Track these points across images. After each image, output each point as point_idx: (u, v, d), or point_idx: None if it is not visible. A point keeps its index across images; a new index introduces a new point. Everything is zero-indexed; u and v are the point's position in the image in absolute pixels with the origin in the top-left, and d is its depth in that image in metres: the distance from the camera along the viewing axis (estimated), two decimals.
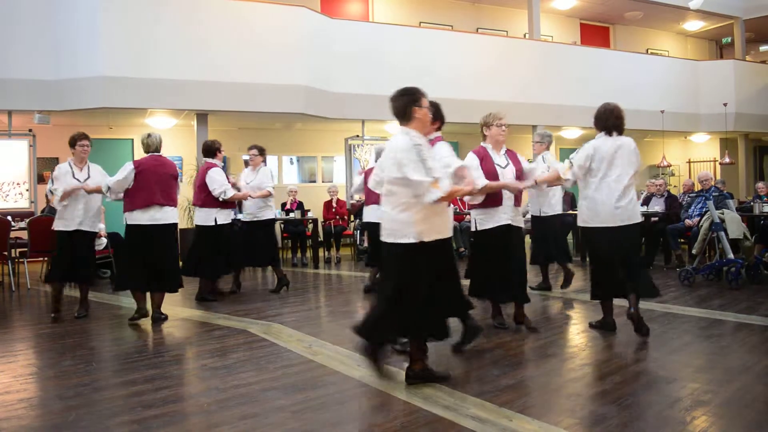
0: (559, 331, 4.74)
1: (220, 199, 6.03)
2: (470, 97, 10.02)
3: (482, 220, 4.45)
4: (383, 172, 3.46)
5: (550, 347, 4.20)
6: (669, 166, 13.39)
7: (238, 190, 6.31)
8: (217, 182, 6.00)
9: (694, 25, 15.17)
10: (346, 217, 9.91)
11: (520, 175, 4.52)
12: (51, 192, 5.35)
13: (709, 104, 13.12)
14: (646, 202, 8.70)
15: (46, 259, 7.12)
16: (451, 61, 10.46)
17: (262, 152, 6.72)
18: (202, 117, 8.88)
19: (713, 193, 7.49)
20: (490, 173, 4.28)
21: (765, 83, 13.72)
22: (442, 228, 3.42)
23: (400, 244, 3.28)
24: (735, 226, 6.72)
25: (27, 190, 8.29)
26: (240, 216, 6.52)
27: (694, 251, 7.03)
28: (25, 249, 7.15)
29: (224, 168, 6.40)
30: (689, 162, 15.57)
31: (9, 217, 7.20)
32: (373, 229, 6.42)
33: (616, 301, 4.57)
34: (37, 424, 2.94)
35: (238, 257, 6.58)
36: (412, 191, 3.22)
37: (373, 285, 6.52)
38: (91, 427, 2.88)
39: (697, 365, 3.72)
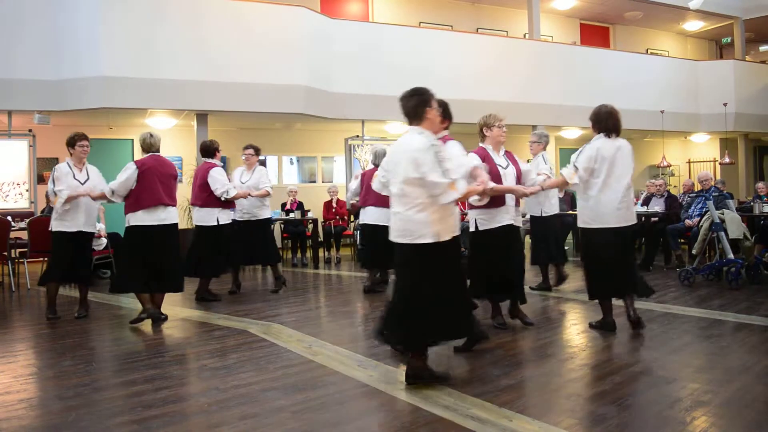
0: (559, 332, 4.75)
1: (223, 199, 6.04)
2: (470, 97, 10.01)
3: (484, 221, 4.46)
4: (389, 173, 3.45)
5: (550, 347, 4.21)
6: (669, 166, 13.40)
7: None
8: (220, 182, 6.01)
9: (693, 25, 15.18)
10: (346, 218, 9.91)
11: (519, 176, 4.56)
12: (54, 193, 5.23)
13: (709, 104, 13.12)
14: (646, 202, 8.71)
15: (45, 259, 7.12)
16: (450, 61, 10.45)
17: (258, 152, 6.76)
18: (202, 117, 8.87)
19: (713, 193, 7.49)
20: (493, 174, 4.29)
21: (765, 83, 13.72)
22: (455, 227, 3.47)
23: (417, 245, 3.27)
24: (735, 226, 6.72)
25: (27, 191, 8.28)
26: (233, 215, 6.51)
27: (694, 251, 7.03)
28: (25, 249, 7.15)
29: (224, 168, 6.41)
30: (689, 162, 15.57)
31: (9, 218, 7.20)
32: (372, 230, 6.44)
33: (615, 301, 4.62)
34: (37, 425, 2.94)
35: (238, 257, 6.58)
36: (427, 191, 3.23)
37: (373, 285, 6.53)
38: (91, 427, 2.88)
39: (697, 365, 3.72)
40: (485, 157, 4.40)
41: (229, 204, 6.20)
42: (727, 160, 12.64)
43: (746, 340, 4.27)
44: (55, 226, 5.30)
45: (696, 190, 8.77)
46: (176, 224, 5.20)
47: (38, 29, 7.98)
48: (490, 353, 4.01)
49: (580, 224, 4.53)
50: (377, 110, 9.98)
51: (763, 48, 17.33)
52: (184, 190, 8.38)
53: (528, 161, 6.36)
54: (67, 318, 5.37)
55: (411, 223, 3.28)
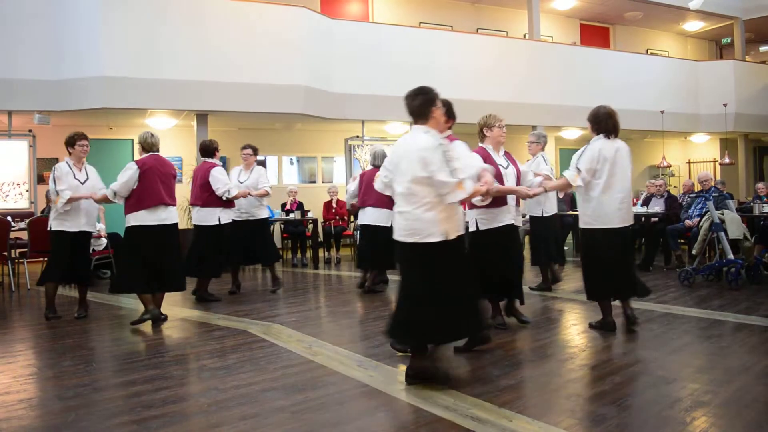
0: (558, 332, 4.75)
1: (224, 198, 6.05)
2: (470, 98, 10.00)
3: (485, 221, 4.46)
4: (392, 172, 3.43)
5: (550, 347, 4.21)
6: (669, 166, 13.40)
7: None
8: (221, 181, 6.02)
9: (693, 25, 15.18)
10: (345, 218, 9.91)
11: (519, 176, 4.58)
12: (56, 192, 5.16)
13: (709, 104, 13.12)
14: (646, 202, 8.71)
15: (45, 259, 7.12)
16: (450, 61, 10.45)
17: (256, 152, 6.80)
18: (202, 117, 8.88)
19: (713, 194, 7.49)
20: (495, 174, 4.30)
21: (765, 83, 13.72)
22: (460, 225, 3.49)
23: (426, 244, 3.27)
24: (735, 226, 6.72)
25: (27, 191, 8.28)
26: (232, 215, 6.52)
27: (694, 252, 7.03)
28: (25, 249, 7.15)
29: (223, 167, 6.41)
30: (689, 162, 15.57)
31: (9, 218, 7.20)
32: (371, 231, 6.44)
33: (612, 301, 4.64)
34: (37, 425, 2.94)
35: (237, 256, 6.58)
36: (434, 191, 3.24)
37: (373, 285, 6.53)
38: (91, 427, 2.88)
39: (697, 365, 3.72)
40: (486, 158, 4.41)
41: (229, 203, 6.21)
42: (727, 160, 12.64)
43: (746, 340, 4.27)
44: (55, 225, 5.25)
45: (696, 190, 8.77)
46: (177, 224, 5.20)
47: (38, 29, 7.98)
48: (490, 353, 4.01)
49: (583, 225, 4.53)
50: (377, 110, 9.99)
51: (763, 48, 17.33)
52: (183, 190, 8.38)
53: (528, 160, 6.39)
54: (67, 318, 5.37)
55: (419, 222, 3.27)
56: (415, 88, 3.42)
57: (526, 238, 7.02)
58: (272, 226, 9.80)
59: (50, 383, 3.59)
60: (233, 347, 4.29)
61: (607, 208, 4.39)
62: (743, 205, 9.07)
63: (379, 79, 9.78)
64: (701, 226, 6.93)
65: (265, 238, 6.73)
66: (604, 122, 4.48)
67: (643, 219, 8.22)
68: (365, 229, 6.53)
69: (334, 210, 9.86)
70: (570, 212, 9.00)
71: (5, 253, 6.99)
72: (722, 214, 6.77)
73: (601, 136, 4.48)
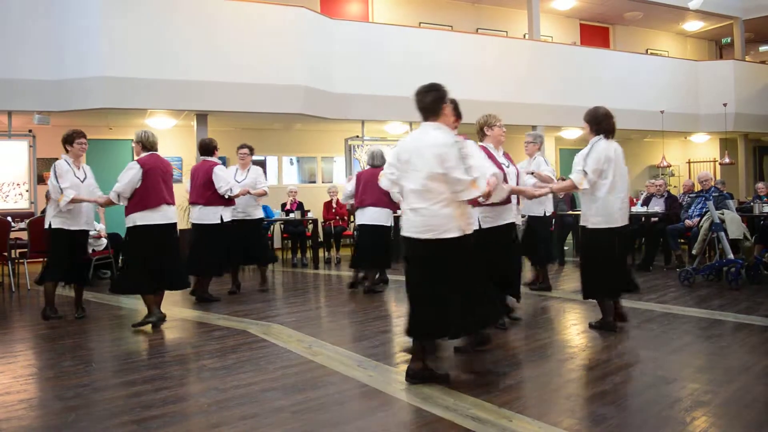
0: (559, 332, 4.75)
1: (226, 197, 6.06)
2: (470, 98, 9.92)
3: (488, 219, 4.48)
4: (400, 170, 3.41)
5: (550, 347, 4.21)
6: (669, 166, 13.40)
7: None
8: (224, 180, 6.04)
9: (693, 25, 15.17)
10: (345, 218, 9.91)
11: (518, 175, 4.62)
12: (60, 190, 5.06)
13: (709, 104, 13.12)
14: (646, 202, 8.71)
15: (45, 259, 7.12)
16: (450, 61, 10.45)
17: (252, 152, 6.83)
18: (201, 117, 8.88)
19: (713, 194, 7.49)
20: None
21: (765, 83, 13.72)
22: (473, 221, 3.53)
23: (443, 240, 3.27)
24: (735, 226, 6.72)
25: (27, 191, 8.28)
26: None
27: (694, 252, 7.03)
28: (25, 250, 7.15)
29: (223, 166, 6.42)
30: (689, 162, 15.57)
31: (9, 218, 7.19)
32: (371, 231, 6.43)
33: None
34: (37, 425, 2.94)
35: (237, 256, 6.58)
36: (449, 187, 3.25)
37: (373, 285, 6.53)
38: (91, 427, 2.88)
39: (697, 365, 3.72)
40: (489, 156, 4.42)
41: (229, 202, 6.22)
42: (727, 160, 12.64)
43: (746, 340, 4.27)
44: (56, 223, 5.18)
45: (696, 190, 8.77)
46: (176, 223, 5.21)
47: (38, 29, 7.98)
48: (490, 353, 4.01)
49: (592, 225, 4.51)
50: (377, 110, 9.99)
51: (762, 48, 17.33)
52: (182, 190, 8.39)
53: (524, 160, 6.41)
54: (67, 318, 5.36)
55: (436, 218, 3.27)
56: (425, 85, 3.41)
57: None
58: (272, 226, 9.83)
59: (50, 383, 3.59)
60: (233, 347, 4.29)
61: (612, 207, 4.43)
62: (743, 205, 9.07)
63: (379, 79, 9.79)
64: (701, 226, 6.93)
65: (260, 239, 6.79)
66: (604, 122, 4.49)
67: (643, 219, 8.22)
68: (364, 228, 6.52)
69: (334, 210, 9.86)
70: (570, 212, 9.00)
71: (5, 254, 6.98)
72: (722, 213, 6.77)
73: (602, 136, 4.48)
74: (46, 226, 5.25)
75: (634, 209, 8.50)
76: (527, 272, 6.75)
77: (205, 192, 6.06)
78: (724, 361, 3.76)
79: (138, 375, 3.68)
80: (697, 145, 15.18)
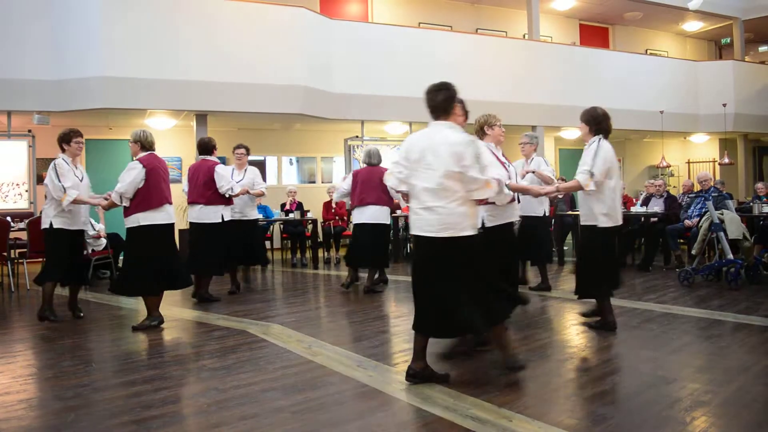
0: (558, 332, 4.75)
1: (227, 196, 6.06)
2: (470, 97, 9.89)
3: (492, 217, 4.49)
4: (409, 168, 3.40)
5: (550, 347, 4.21)
6: (668, 166, 13.40)
7: None
8: (225, 179, 6.05)
9: (693, 25, 15.18)
10: (345, 218, 9.91)
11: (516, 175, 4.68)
12: (63, 189, 5.01)
13: (709, 104, 13.12)
14: (646, 202, 8.71)
15: (44, 260, 7.11)
16: (450, 61, 10.44)
17: (248, 152, 6.85)
18: (201, 117, 8.88)
19: (712, 194, 7.49)
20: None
21: (764, 83, 13.73)
22: (479, 220, 3.58)
23: (460, 237, 3.29)
24: (734, 226, 6.72)
25: (26, 191, 8.28)
26: None
27: (693, 252, 7.03)
28: (25, 250, 7.15)
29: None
30: (689, 162, 15.57)
31: (8, 218, 7.19)
32: (371, 229, 6.42)
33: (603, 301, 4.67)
34: (37, 425, 2.94)
35: (236, 256, 6.58)
36: (464, 186, 3.27)
37: (372, 285, 6.52)
38: (91, 427, 2.87)
39: (696, 365, 3.73)
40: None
41: (229, 201, 6.23)
42: (726, 160, 12.65)
43: (746, 340, 4.28)
44: (57, 223, 5.11)
45: (695, 190, 8.78)
46: (174, 222, 5.21)
47: (38, 29, 7.98)
48: (490, 353, 4.00)
49: (601, 224, 4.50)
50: (377, 110, 9.99)
51: (762, 48, 17.33)
52: (178, 190, 8.38)
53: (520, 160, 6.44)
54: (66, 318, 5.35)
55: (454, 216, 3.27)
56: (436, 83, 3.42)
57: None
58: (272, 227, 9.83)
59: (50, 383, 3.59)
60: (233, 347, 4.29)
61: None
62: (743, 205, 9.07)
63: (379, 79, 9.78)
64: (701, 226, 6.93)
65: (256, 239, 6.83)
66: (604, 123, 4.52)
67: (642, 219, 8.23)
68: (364, 227, 6.48)
69: (333, 210, 9.86)
70: (570, 212, 9.00)
71: (5, 254, 6.98)
72: (722, 214, 6.77)
73: (601, 136, 4.50)
74: (46, 225, 5.16)
75: (633, 209, 8.51)
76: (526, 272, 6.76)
77: (206, 191, 6.05)
78: (724, 361, 3.76)
79: (138, 375, 3.68)
80: (697, 145, 15.19)
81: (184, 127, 10.12)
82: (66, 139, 5.23)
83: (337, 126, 10.88)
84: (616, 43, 14.88)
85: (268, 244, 9.79)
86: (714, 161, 14.73)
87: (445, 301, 3.32)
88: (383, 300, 6.18)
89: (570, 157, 13.62)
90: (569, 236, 9.49)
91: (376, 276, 6.74)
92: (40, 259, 7.33)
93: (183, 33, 8.34)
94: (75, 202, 5.09)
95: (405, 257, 9.90)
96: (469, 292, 3.30)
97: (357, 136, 10.47)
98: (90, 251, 7.20)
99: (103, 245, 7.56)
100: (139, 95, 8.12)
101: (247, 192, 6.45)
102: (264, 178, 6.87)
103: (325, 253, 9.69)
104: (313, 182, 12.29)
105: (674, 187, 13.65)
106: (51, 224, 5.14)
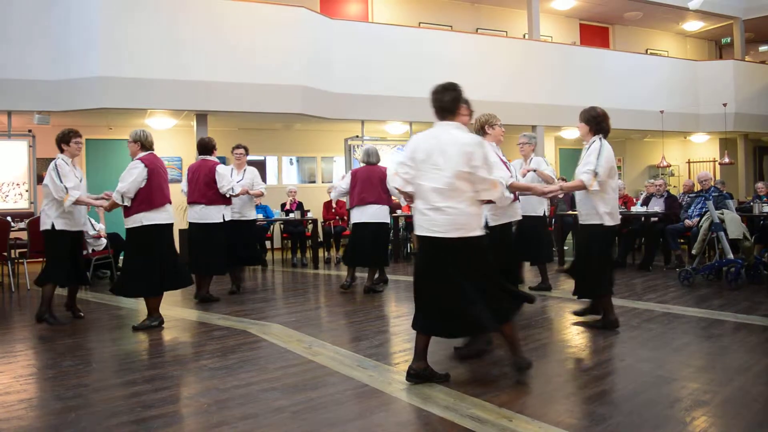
0: (559, 332, 4.75)
1: (227, 196, 6.07)
2: (470, 97, 9.98)
3: (495, 217, 4.50)
4: (415, 168, 3.39)
5: (550, 347, 4.21)
6: (668, 166, 13.40)
7: None
8: (226, 179, 6.07)
9: (693, 25, 15.18)
10: (345, 218, 9.91)
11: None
12: (65, 189, 4.97)
13: (709, 104, 13.13)
14: (646, 202, 8.71)
15: (45, 260, 7.11)
16: (450, 61, 10.45)
17: (247, 152, 6.86)
18: (201, 117, 8.88)
19: (713, 194, 7.49)
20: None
21: (764, 83, 13.72)
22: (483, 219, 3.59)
23: (472, 237, 3.31)
24: (735, 226, 6.72)
25: (27, 191, 8.28)
26: None
27: (693, 251, 7.02)
28: (25, 250, 7.15)
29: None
30: (689, 162, 15.57)
31: (9, 218, 7.19)
32: (372, 229, 6.42)
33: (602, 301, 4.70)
34: (37, 425, 2.94)
35: (235, 256, 6.58)
36: (472, 186, 3.28)
37: (372, 285, 6.52)
38: (91, 427, 2.87)
39: (697, 365, 3.72)
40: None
41: (229, 201, 6.23)
42: (726, 160, 12.65)
43: (746, 340, 4.28)
44: (59, 225, 5.06)
45: (696, 190, 8.77)
46: (173, 223, 5.21)
47: (38, 29, 7.98)
48: (490, 353, 4.01)
49: (608, 223, 4.50)
50: (377, 110, 9.98)
51: (762, 48, 17.33)
52: (177, 190, 8.38)
53: (518, 159, 6.45)
54: (66, 319, 5.35)
55: (463, 216, 3.28)
56: (443, 84, 3.41)
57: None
58: (272, 226, 9.83)
59: (50, 383, 3.59)
60: (233, 347, 4.29)
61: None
62: (743, 204, 9.07)
63: (379, 79, 9.79)
64: (701, 226, 6.93)
65: (254, 239, 6.84)
66: (604, 123, 4.53)
67: (642, 219, 8.22)
68: (364, 226, 6.46)
69: (333, 210, 9.86)
70: (570, 212, 8.99)
71: (5, 254, 6.97)
72: (722, 213, 6.77)
73: (601, 136, 4.50)
74: (47, 227, 5.09)
75: (634, 209, 8.50)
76: (527, 273, 6.76)
77: (207, 191, 6.05)
78: (724, 361, 3.76)
79: (138, 375, 3.68)
80: (697, 145, 15.19)
81: (184, 127, 10.13)
82: (65, 139, 5.18)
83: (337, 126, 10.88)
84: (616, 43, 14.88)
85: (268, 243, 9.82)
86: (714, 161, 14.72)
87: (454, 300, 3.31)
88: (383, 300, 6.18)
89: (570, 157, 13.62)
90: (569, 236, 9.48)
91: (377, 276, 6.74)
92: (41, 259, 7.33)
93: (183, 33, 8.34)
94: (77, 202, 5.06)
95: (405, 257, 9.90)
96: (478, 291, 3.30)
97: (357, 136, 10.47)
98: (90, 251, 7.21)
99: (103, 245, 7.57)
100: (139, 95, 8.12)
101: (247, 192, 6.47)
102: (264, 178, 6.88)
103: (326, 253, 9.69)
104: (314, 182, 12.29)
105: (674, 186, 13.66)
106: (53, 226, 5.08)
